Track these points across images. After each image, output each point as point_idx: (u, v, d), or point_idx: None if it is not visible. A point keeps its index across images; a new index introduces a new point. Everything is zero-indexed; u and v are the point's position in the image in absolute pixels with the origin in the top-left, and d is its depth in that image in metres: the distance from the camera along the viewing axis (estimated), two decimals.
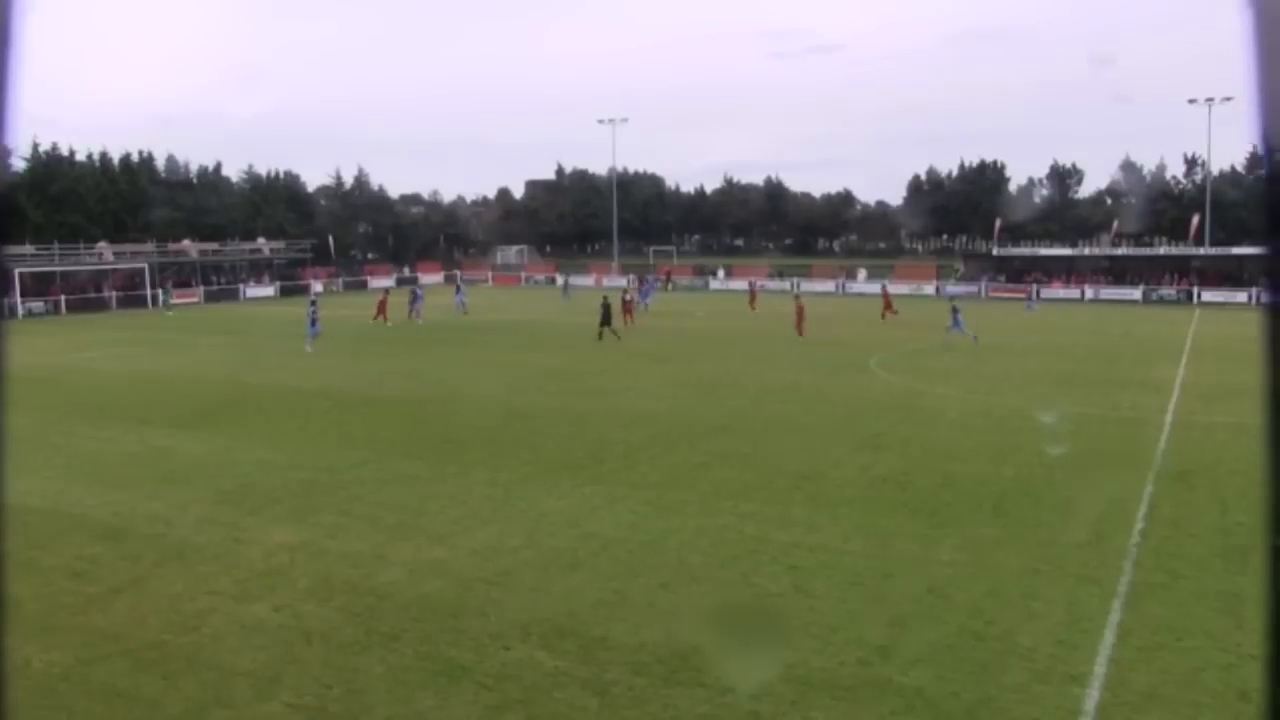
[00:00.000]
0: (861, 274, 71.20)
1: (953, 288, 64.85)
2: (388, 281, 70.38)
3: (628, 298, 39.28)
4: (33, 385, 25.87)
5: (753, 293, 51.64)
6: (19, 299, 51.06)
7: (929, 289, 65.23)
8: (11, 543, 12.23)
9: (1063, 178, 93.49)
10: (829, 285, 69.02)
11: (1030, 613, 9.94)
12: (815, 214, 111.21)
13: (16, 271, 51.60)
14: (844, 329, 40.30)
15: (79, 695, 8.28)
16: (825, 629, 9.50)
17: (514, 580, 10.97)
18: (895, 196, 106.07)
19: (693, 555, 11.81)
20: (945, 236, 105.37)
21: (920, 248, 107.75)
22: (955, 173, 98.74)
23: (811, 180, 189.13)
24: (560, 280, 69.65)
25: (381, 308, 43.28)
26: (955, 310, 34.22)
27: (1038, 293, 57.36)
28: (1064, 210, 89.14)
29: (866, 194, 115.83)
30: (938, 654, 8.92)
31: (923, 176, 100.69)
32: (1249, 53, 1.12)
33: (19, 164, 65.30)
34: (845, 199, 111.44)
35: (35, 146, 67.10)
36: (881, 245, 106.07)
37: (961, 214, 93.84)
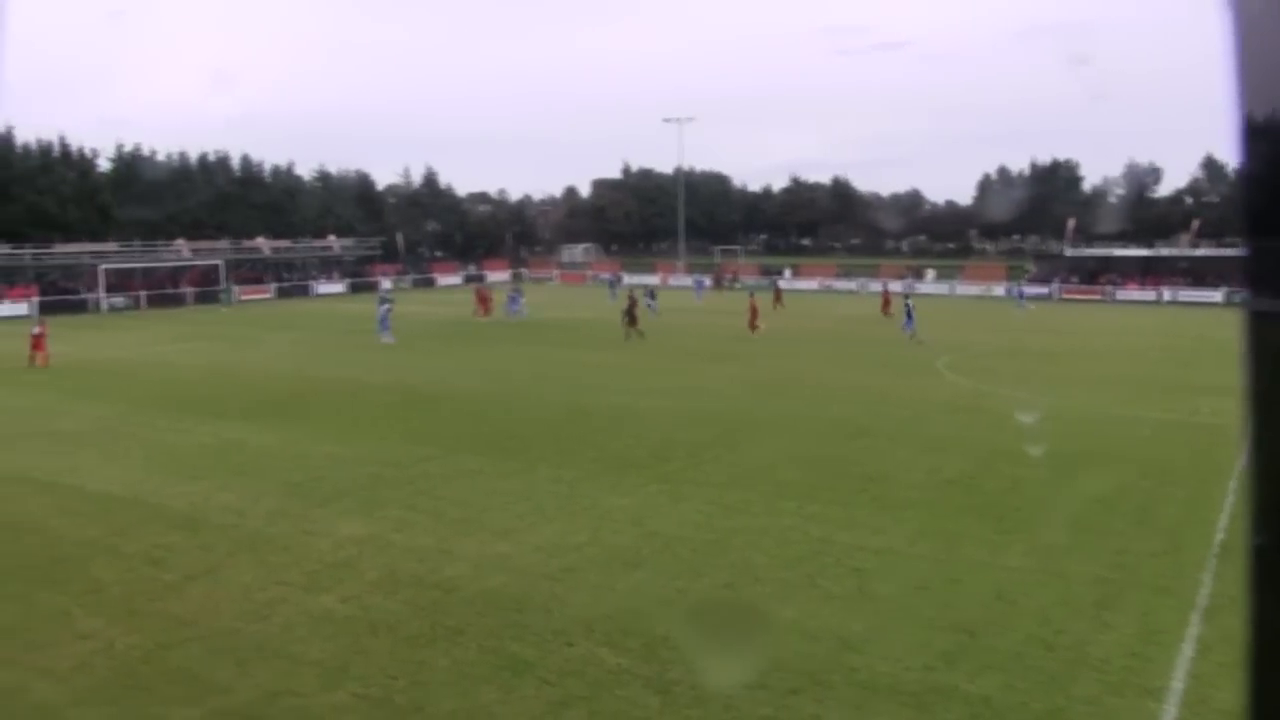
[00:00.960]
0: (930, 274, 69.97)
1: (1024, 288, 63.44)
2: (455, 279, 71.78)
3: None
4: (114, 378, 26.84)
5: (778, 291, 52.17)
6: (103, 294, 53.16)
7: (999, 290, 63.86)
8: (96, 529, 12.79)
9: (1139, 176, 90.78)
10: (895, 286, 68.02)
11: (1102, 623, 9.67)
12: (882, 213, 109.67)
13: (101, 268, 53.82)
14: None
15: (158, 677, 8.56)
16: (890, 633, 9.37)
17: (577, 577, 11.02)
18: (965, 196, 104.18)
19: (757, 555, 11.74)
20: (1016, 237, 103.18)
21: (990, 248, 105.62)
22: (1027, 171, 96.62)
23: (879, 179, 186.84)
24: (618, 279, 70.02)
25: (483, 302, 45.21)
26: (909, 308, 36.75)
27: (1021, 291, 55.71)
28: (1140, 209, 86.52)
29: (935, 193, 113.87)
30: (1006, 662, 8.73)
31: (993, 175, 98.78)
32: (1227, 54, 1.09)
33: (104, 165, 67.90)
34: (913, 198, 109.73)
35: (119, 148, 69.57)
36: (951, 245, 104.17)
37: (1033, 214, 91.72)
